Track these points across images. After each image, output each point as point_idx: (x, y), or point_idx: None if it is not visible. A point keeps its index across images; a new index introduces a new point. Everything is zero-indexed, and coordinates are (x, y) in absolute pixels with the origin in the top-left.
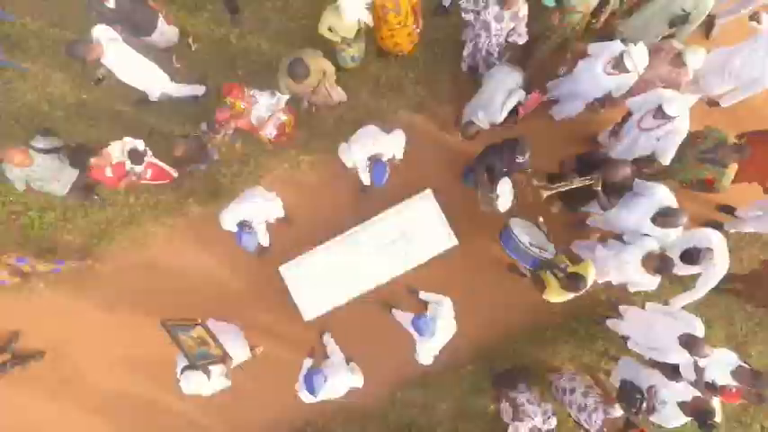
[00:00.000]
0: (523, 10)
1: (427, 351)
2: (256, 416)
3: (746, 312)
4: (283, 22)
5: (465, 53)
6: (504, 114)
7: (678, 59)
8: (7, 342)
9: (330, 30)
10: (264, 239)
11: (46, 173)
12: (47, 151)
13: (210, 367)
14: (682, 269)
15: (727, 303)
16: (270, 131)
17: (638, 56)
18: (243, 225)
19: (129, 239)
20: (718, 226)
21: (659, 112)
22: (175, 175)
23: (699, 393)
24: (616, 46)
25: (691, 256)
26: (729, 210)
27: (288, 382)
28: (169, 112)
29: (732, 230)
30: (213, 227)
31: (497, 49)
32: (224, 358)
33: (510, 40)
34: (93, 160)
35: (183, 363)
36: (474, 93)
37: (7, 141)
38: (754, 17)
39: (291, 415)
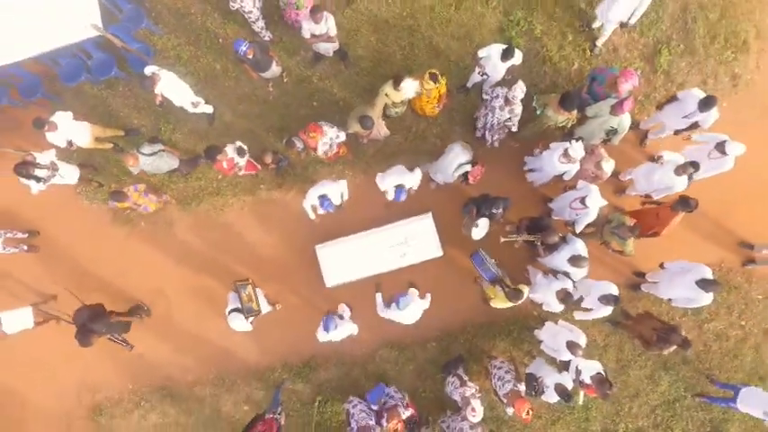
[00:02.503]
0: (518, 110)
1: (396, 317)
2: (277, 346)
3: (633, 345)
4: (352, 75)
5: (479, 125)
6: (454, 178)
7: (599, 164)
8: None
9: (386, 95)
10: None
11: (152, 168)
12: (151, 154)
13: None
14: (599, 309)
15: (622, 336)
16: (327, 152)
17: (575, 151)
18: (323, 197)
19: (211, 205)
20: (636, 286)
21: (582, 201)
22: (259, 168)
23: (573, 384)
24: (566, 144)
25: (606, 299)
26: (642, 274)
27: (302, 326)
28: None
29: (645, 291)
30: (274, 208)
31: (498, 126)
32: (259, 312)
33: (507, 124)
34: (218, 156)
35: (233, 305)
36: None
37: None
38: (658, 159)
39: (302, 350)
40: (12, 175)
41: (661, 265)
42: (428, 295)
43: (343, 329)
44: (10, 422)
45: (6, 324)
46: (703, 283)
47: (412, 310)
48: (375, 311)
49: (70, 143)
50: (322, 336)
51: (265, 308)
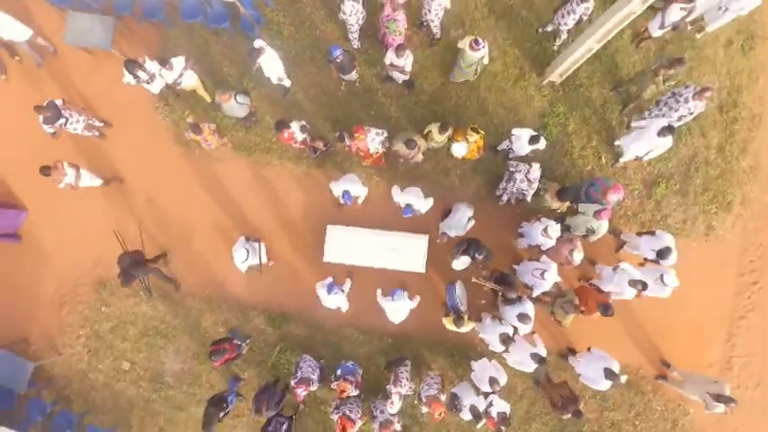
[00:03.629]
0: (535, 185)
1: (389, 309)
2: (264, 293)
3: (544, 404)
4: (411, 103)
5: (500, 186)
6: (466, 230)
7: (572, 252)
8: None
9: (430, 131)
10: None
11: (231, 111)
12: (239, 103)
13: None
14: (528, 364)
15: (538, 394)
16: (379, 149)
17: (553, 231)
18: (345, 192)
19: (256, 160)
20: (565, 357)
21: (542, 274)
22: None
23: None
24: (549, 222)
25: (535, 357)
26: (574, 351)
27: (291, 284)
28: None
29: (570, 363)
30: (306, 182)
31: (516, 193)
32: (262, 266)
33: (524, 193)
34: (285, 130)
35: (240, 245)
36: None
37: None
38: (615, 268)
39: (283, 303)
40: (107, 72)
41: (588, 349)
42: (417, 297)
43: (337, 300)
44: (27, 265)
45: (84, 179)
46: (607, 372)
47: (401, 306)
48: (356, 296)
49: (177, 83)
50: (321, 292)
51: (264, 260)
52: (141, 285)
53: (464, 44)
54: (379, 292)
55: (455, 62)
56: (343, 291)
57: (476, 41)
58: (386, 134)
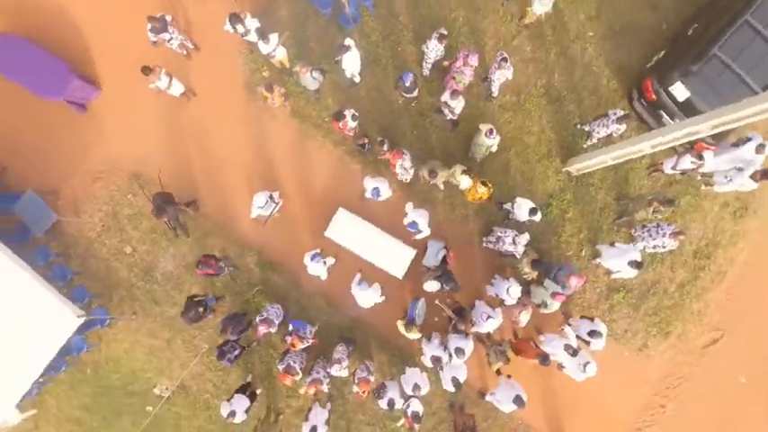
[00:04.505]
0: (520, 249)
1: (357, 295)
2: (264, 238)
3: (449, 425)
4: (449, 138)
5: (491, 239)
6: (438, 262)
7: (521, 313)
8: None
9: (454, 171)
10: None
11: (304, 82)
12: (313, 78)
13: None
14: (448, 384)
15: (449, 416)
16: (400, 175)
17: (513, 291)
18: (375, 190)
19: (305, 130)
20: (483, 395)
21: (487, 317)
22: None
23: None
24: (511, 284)
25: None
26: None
27: (288, 239)
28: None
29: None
30: (339, 166)
31: (502, 250)
32: (268, 219)
33: (509, 252)
34: (339, 119)
35: (259, 195)
36: (474, 248)
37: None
38: (560, 330)
39: (277, 254)
40: (213, 11)
41: (508, 376)
42: (384, 297)
43: (318, 268)
44: (84, 135)
45: (174, 87)
46: (516, 399)
47: (368, 295)
48: (337, 275)
49: (271, 55)
50: (306, 258)
51: (274, 214)
52: (168, 225)
53: (483, 128)
54: (356, 278)
55: (473, 140)
56: (325, 263)
57: (490, 131)
58: (412, 170)
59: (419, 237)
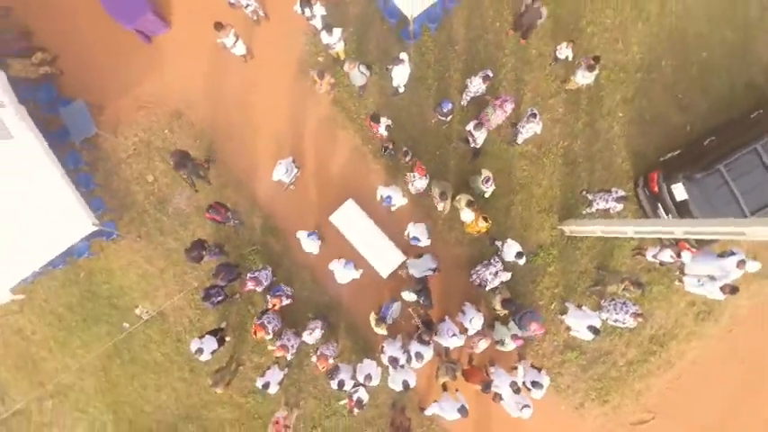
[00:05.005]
0: (494, 284)
1: (338, 271)
2: (274, 204)
3: (386, 423)
4: (466, 167)
5: (477, 269)
6: (422, 275)
7: (479, 342)
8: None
9: (460, 198)
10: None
11: (353, 77)
12: (361, 72)
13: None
14: (397, 386)
15: (388, 415)
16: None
17: (476, 323)
18: (388, 197)
19: (340, 121)
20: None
21: (453, 335)
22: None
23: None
24: (475, 315)
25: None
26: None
27: (293, 213)
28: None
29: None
30: (360, 160)
31: (482, 279)
32: (289, 186)
33: (491, 286)
34: (374, 122)
35: (285, 161)
36: (459, 274)
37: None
38: (513, 368)
39: (281, 220)
40: None
41: (456, 389)
42: (361, 270)
43: (311, 244)
44: (142, 63)
45: (238, 47)
46: (460, 409)
47: (347, 273)
48: (329, 258)
49: (332, 47)
50: (300, 233)
51: (292, 182)
52: (188, 179)
53: (484, 173)
54: (343, 261)
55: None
56: (318, 238)
57: (487, 180)
58: (427, 184)
59: (421, 245)
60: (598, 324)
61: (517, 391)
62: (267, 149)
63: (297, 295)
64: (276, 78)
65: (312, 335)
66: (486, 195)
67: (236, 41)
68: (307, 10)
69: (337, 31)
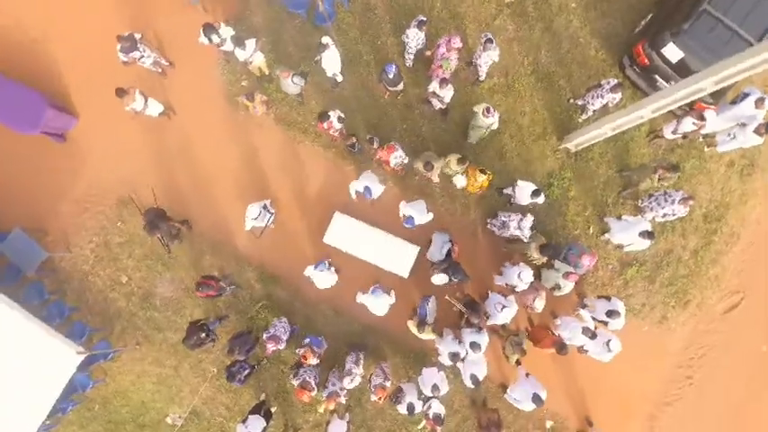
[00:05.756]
0: (526, 232)
1: (370, 304)
2: (262, 251)
3: (474, 423)
4: (441, 128)
5: (496, 223)
6: (443, 256)
7: (535, 299)
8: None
9: (449, 161)
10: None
11: (285, 87)
12: (294, 83)
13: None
14: (467, 382)
15: (471, 413)
16: (397, 165)
17: (525, 276)
18: (367, 188)
19: (293, 136)
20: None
21: (502, 309)
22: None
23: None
24: (523, 269)
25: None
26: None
27: (287, 251)
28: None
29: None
30: (330, 169)
31: (508, 235)
32: (264, 230)
33: (515, 235)
34: (324, 121)
35: (255, 205)
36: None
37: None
38: (575, 311)
39: (276, 266)
40: (185, 22)
41: (527, 374)
42: (392, 291)
43: (325, 276)
44: (67, 166)
45: (151, 107)
46: (534, 397)
47: (381, 302)
48: (341, 281)
49: (249, 62)
50: (309, 270)
51: (270, 225)
52: (162, 242)
53: (479, 109)
54: (359, 294)
55: (470, 125)
56: (330, 268)
57: (487, 110)
58: (407, 160)
59: (424, 222)
60: (649, 227)
61: (593, 336)
62: (231, 197)
63: (323, 332)
64: (208, 122)
65: (353, 379)
66: (495, 127)
67: (146, 102)
68: (213, 37)
69: (250, 43)
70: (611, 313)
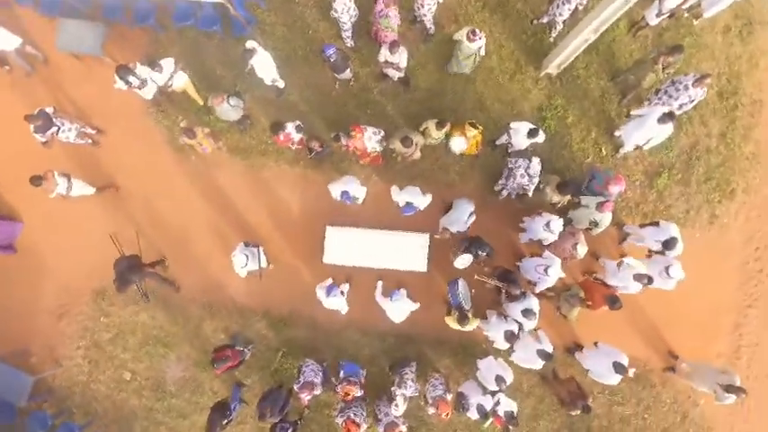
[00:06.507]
0: (536, 180)
1: (388, 308)
2: (264, 296)
3: (552, 401)
4: (407, 100)
5: (500, 182)
6: (467, 226)
7: (575, 246)
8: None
9: (427, 128)
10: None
11: (225, 115)
12: (231, 105)
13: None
14: (535, 362)
15: (545, 390)
16: (377, 148)
17: (555, 226)
18: (344, 193)
19: (253, 163)
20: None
21: (546, 270)
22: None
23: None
24: (551, 217)
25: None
26: (581, 347)
27: (291, 287)
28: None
29: (577, 359)
30: (304, 183)
31: (516, 188)
32: (262, 271)
33: (525, 188)
34: (281, 132)
35: (240, 251)
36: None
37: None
38: (620, 264)
39: (283, 306)
40: (99, 79)
41: (595, 344)
42: (417, 303)
43: (337, 302)
44: (26, 278)
45: (76, 188)
46: (617, 366)
47: (401, 306)
48: (354, 297)
49: (168, 85)
50: (320, 292)
51: (263, 264)
52: (138, 291)
53: (461, 35)
54: (379, 286)
55: (453, 54)
56: (342, 293)
57: (473, 32)
58: (383, 133)
59: (424, 205)
60: (666, 108)
61: (649, 281)
62: (211, 251)
63: (357, 359)
64: (161, 178)
65: (399, 407)
66: (483, 52)
67: (68, 182)
68: (131, 78)
69: (167, 62)
70: (667, 243)
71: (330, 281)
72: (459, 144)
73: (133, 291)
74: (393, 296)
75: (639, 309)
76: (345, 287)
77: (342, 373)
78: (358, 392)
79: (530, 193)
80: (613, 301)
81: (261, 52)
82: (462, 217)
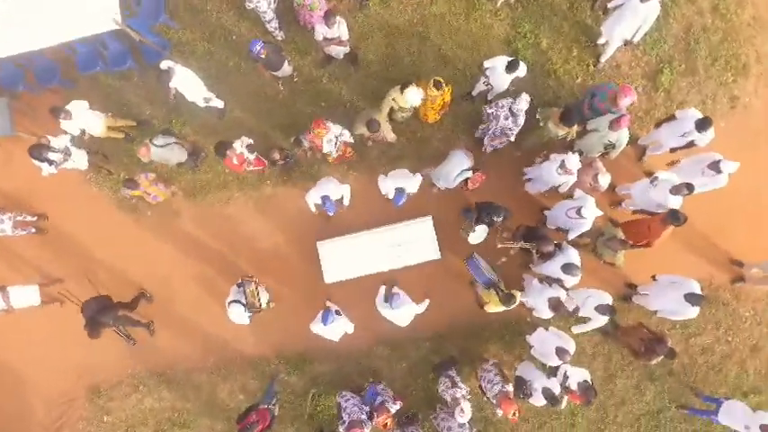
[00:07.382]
0: (520, 120)
1: (390, 316)
2: (273, 338)
3: (622, 354)
4: (361, 78)
5: (480, 128)
6: (455, 184)
7: (596, 177)
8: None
9: (393, 99)
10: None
11: (162, 159)
12: (163, 146)
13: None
14: (596, 319)
15: (611, 346)
16: (332, 153)
17: (572, 164)
18: (325, 198)
19: (215, 200)
20: (627, 297)
21: (579, 212)
22: (266, 164)
23: (560, 389)
24: (564, 156)
25: (603, 309)
26: (633, 286)
27: (299, 320)
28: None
29: (636, 302)
30: (278, 203)
31: (498, 134)
32: (260, 310)
33: (506, 132)
34: (228, 152)
35: (234, 297)
36: (481, 157)
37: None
38: (653, 181)
39: (297, 343)
40: (23, 160)
41: (653, 278)
42: (426, 301)
43: (339, 325)
44: (9, 398)
45: (14, 298)
46: (691, 297)
47: (404, 311)
48: (372, 310)
49: (83, 132)
50: (317, 328)
51: (264, 305)
52: (118, 333)
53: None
54: (381, 293)
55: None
56: (339, 313)
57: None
58: (342, 129)
59: (415, 188)
60: None
61: (689, 189)
62: (200, 309)
63: (396, 375)
64: (121, 246)
65: (465, 412)
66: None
67: (3, 294)
68: (51, 155)
69: (77, 106)
70: (699, 125)
71: (320, 312)
72: (413, 95)
73: (125, 378)
74: (393, 303)
75: (693, 227)
76: (333, 306)
77: (367, 406)
78: (394, 407)
79: (512, 138)
80: (675, 217)
81: (180, 70)
82: (454, 171)
